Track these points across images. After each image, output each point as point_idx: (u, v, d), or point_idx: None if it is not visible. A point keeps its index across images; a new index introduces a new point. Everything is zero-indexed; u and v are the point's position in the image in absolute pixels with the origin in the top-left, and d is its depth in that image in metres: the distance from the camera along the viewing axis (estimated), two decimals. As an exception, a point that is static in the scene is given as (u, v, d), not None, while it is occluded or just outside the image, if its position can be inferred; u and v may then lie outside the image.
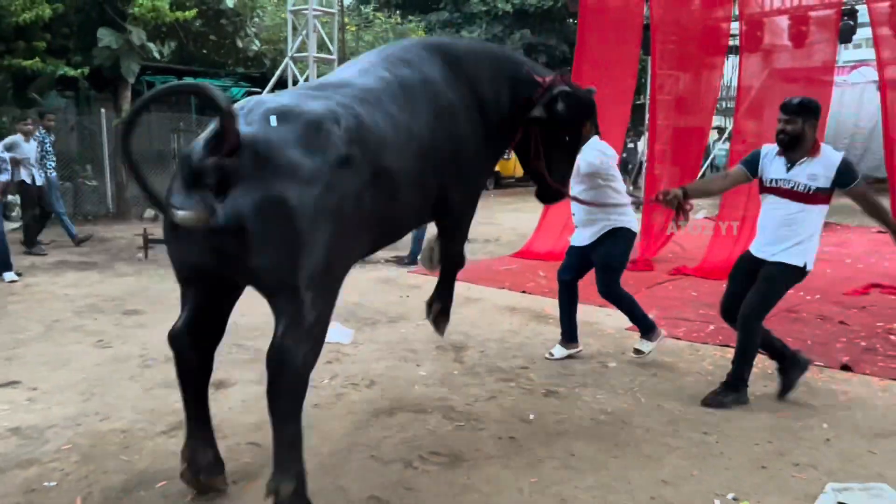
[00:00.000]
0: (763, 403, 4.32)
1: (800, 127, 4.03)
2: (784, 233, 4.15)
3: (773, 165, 4.22)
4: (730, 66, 12.54)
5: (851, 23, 10.78)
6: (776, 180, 4.19)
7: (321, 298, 2.81)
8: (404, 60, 3.52)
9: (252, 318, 6.06)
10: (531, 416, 4.06)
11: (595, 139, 4.82)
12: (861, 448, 3.71)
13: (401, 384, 4.57)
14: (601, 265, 4.97)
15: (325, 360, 4.98)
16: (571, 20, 20.67)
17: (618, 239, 4.90)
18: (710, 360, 5.16)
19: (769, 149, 4.28)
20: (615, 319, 6.17)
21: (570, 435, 3.84)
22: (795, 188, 4.11)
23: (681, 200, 4.19)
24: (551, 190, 4.14)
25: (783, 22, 9.93)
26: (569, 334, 5.19)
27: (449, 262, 4.25)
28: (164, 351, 5.18)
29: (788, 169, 4.14)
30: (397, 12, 18.86)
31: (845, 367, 4.96)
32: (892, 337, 5.71)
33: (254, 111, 2.80)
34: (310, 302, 2.76)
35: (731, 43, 10.62)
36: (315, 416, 4.02)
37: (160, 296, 6.92)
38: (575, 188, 4.78)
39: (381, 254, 9.22)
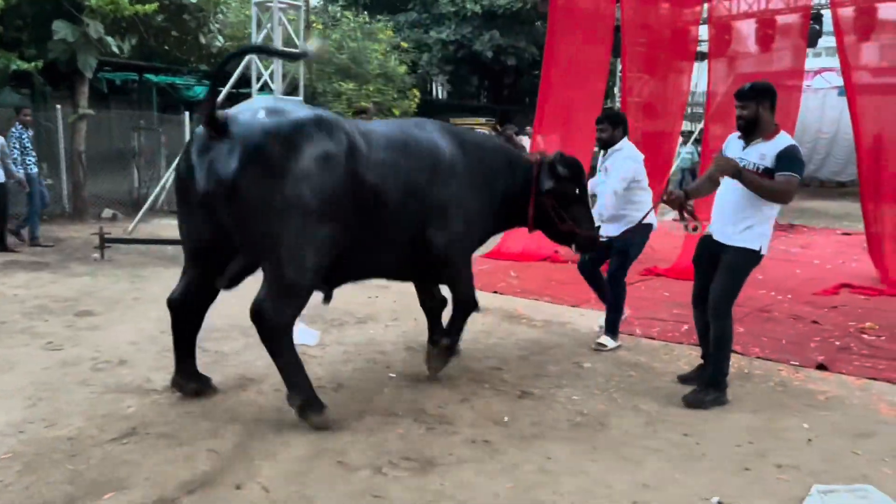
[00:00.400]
0: (741, 403, 4.23)
1: (754, 110, 4.08)
2: (738, 213, 4.15)
3: (732, 146, 4.30)
4: (698, 70, 12.57)
5: (817, 27, 10.90)
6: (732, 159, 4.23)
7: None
8: (423, 127, 4.35)
9: (213, 319, 5.80)
10: (505, 419, 3.90)
11: (625, 143, 5.33)
12: (843, 448, 3.62)
13: (369, 387, 4.37)
14: (619, 250, 5.27)
15: (290, 362, 4.76)
16: (540, 23, 20.65)
17: (636, 232, 5.18)
18: (685, 360, 5.06)
19: (734, 134, 4.34)
20: (588, 319, 6.07)
21: (546, 438, 3.69)
22: (747, 167, 4.12)
23: (682, 202, 4.36)
24: (588, 240, 4.79)
25: (751, 26, 9.98)
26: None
27: (457, 306, 4.68)
28: (117, 354, 4.93)
29: (744, 148, 4.20)
30: (364, 12, 18.60)
31: (821, 367, 4.90)
32: (864, 336, 5.69)
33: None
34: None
35: (700, 48, 10.63)
36: (278, 421, 3.81)
37: (115, 296, 6.61)
38: (600, 187, 5.35)
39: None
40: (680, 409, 4.11)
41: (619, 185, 5.14)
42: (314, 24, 16.29)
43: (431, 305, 4.92)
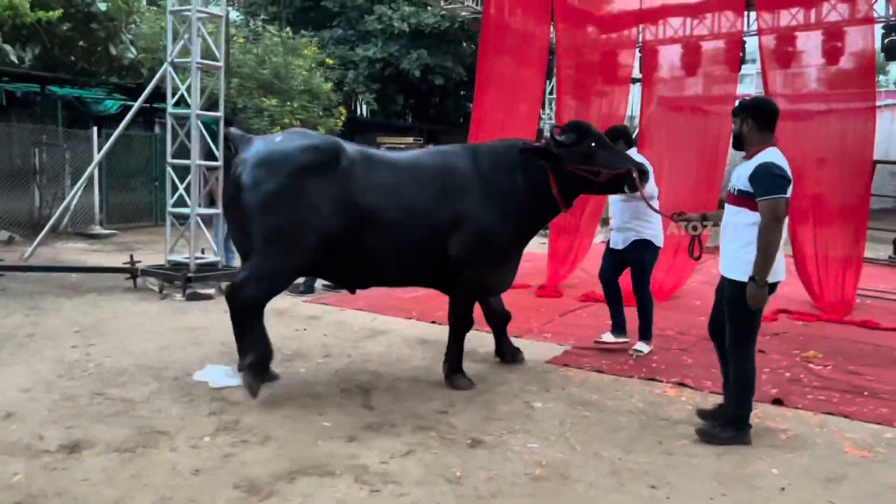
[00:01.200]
0: (705, 445, 3.95)
1: (738, 127, 3.96)
2: (725, 241, 3.99)
3: None
4: (631, 94, 12.64)
5: (741, 54, 11.09)
6: None
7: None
8: (443, 153, 5.02)
9: (118, 359, 5.20)
10: (458, 474, 3.49)
11: (632, 152, 5.58)
12: (819, 497, 3.39)
13: (301, 439, 3.86)
14: (636, 268, 5.84)
15: (209, 412, 4.22)
16: (466, 43, 20.55)
17: (646, 249, 5.78)
18: (639, 396, 4.79)
19: None
20: (532, 352, 5.75)
21: (505, 496, 3.30)
22: (730, 190, 4.01)
23: (696, 225, 4.35)
24: (630, 175, 4.80)
25: (678, 52, 10.00)
26: (620, 326, 5.95)
27: (453, 321, 5.02)
28: (2, 404, 4.23)
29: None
30: (288, 27, 17.99)
31: (777, 402, 4.72)
32: (811, 366, 5.58)
33: None
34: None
35: (634, 73, 10.60)
36: (195, 486, 3.28)
37: (6, 333, 5.83)
38: (612, 197, 5.84)
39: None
40: (642, 455, 3.81)
41: None
42: (235, 38, 15.63)
43: (495, 323, 5.45)
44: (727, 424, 4.03)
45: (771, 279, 3.82)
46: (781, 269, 3.93)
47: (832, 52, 8.24)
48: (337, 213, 4.41)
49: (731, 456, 3.84)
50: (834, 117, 8.22)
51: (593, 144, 4.81)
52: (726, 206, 4.03)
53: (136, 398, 4.40)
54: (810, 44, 8.57)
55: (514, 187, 4.82)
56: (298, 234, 4.38)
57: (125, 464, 3.52)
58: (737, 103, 4.01)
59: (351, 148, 4.64)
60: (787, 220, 3.87)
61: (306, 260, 4.52)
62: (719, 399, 4.71)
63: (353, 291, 5.12)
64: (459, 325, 4.93)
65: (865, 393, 4.96)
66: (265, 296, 4.50)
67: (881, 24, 8.67)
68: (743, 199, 3.85)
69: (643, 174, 4.86)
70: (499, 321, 5.46)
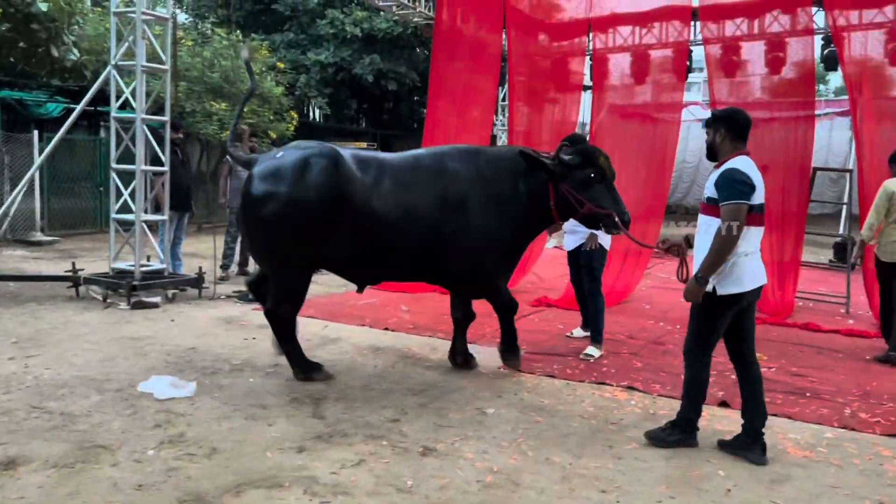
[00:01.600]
0: (653, 448, 4.01)
1: (710, 137, 4.00)
2: (698, 249, 3.96)
3: None
4: (583, 101, 12.81)
5: (687, 63, 11.34)
6: None
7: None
8: (444, 154, 5.14)
9: (58, 371, 5.02)
10: (409, 483, 3.45)
11: None
12: (764, 498, 3.45)
13: (249, 451, 3.77)
14: (587, 272, 6.10)
15: (154, 424, 4.10)
16: (419, 49, 20.54)
17: (594, 253, 6.01)
18: (590, 401, 4.83)
19: None
20: (486, 357, 5.75)
21: (456, 504, 3.28)
22: (702, 200, 4.04)
23: (682, 248, 4.28)
24: (608, 218, 4.83)
25: (626, 60, 10.18)
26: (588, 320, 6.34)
27: (500, 313, 5.35)
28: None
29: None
30: (238, 31, 17.69)
31: (723, 404, 4.82)
32: (756, 368, 5.70)
33: None
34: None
35: (585, 80, 10.72)
36: (137, 502, 3.18)
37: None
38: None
39: (222, 288, 8.26)
40: (592, 460, 3.84)
41: None
42: (182, 41, 15.31)
43: (458, 318, 5.45)
44: (674, 425, 4.09)
45: (752, 285, 3.88)
46: (762, 274, 3.97)
47: (774, 62, 8.50)
48: (340, 217, 4.64)
49: (680, 459, 3.89)
50: (777, 125, 8.46)
51: (592, 175, 4.87)
52: (699, 215, 4.04)
53: (76, 412, 4.25)
54: (754, 54, 8.82)
55: (515, 194, 4.99)
56: (307, 241, 4.65)
57: (63, 480, 3.38)
58: (710, 113, 4.09)
59: (347, 153, 4.84)
60: (762, 229, 3.94)
61: (314, 265, 4.91)
62: (670, 403, 4.80)
63: (360, 290, 5.39)
64: (507, 311, 5.29)
65: (808, 394, 5.11)
66: (295, 310, 4.97)
67: (821, 36, 8.97)
68: (711, 207, 3.87)
69: (625, 223, 4.85)
70: (462, 318, 5.46)
